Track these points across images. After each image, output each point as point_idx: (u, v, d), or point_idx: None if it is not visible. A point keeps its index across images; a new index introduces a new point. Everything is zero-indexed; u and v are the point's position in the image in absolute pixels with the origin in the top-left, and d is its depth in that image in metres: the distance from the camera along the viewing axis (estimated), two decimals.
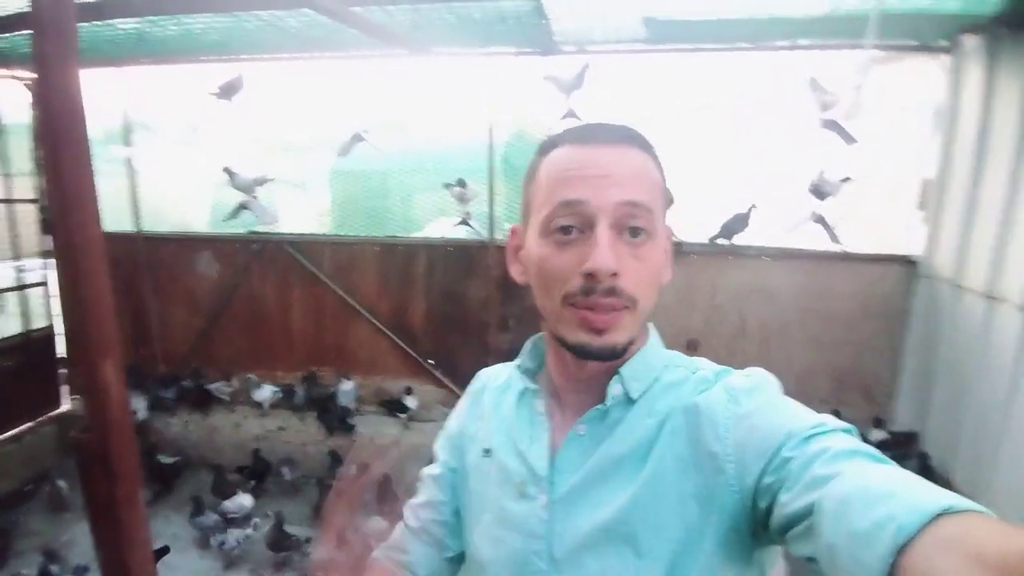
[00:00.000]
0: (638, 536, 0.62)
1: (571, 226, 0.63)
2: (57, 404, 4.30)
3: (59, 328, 4.29)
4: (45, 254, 4.21)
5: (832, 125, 3.32)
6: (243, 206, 3.69)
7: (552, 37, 3.16)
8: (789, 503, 0.52)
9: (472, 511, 0.77)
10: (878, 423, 3.42)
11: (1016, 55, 2.69)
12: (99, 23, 2.75)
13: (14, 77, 3.91)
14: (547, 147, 0.69)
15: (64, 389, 4.35)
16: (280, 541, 3.04)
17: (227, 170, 3.63)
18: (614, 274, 0.61)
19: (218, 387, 4.02)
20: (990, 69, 2.85)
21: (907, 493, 0.44)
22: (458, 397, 2.98)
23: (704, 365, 0.71)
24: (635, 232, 0.63)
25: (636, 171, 0.64)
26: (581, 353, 0.65)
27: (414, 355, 3.94)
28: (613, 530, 0.63)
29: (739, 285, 3.57)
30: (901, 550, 0.41)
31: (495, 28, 3.08)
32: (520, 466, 0.71)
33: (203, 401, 4.06)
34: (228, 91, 3.64)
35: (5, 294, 4.06)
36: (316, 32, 3.15)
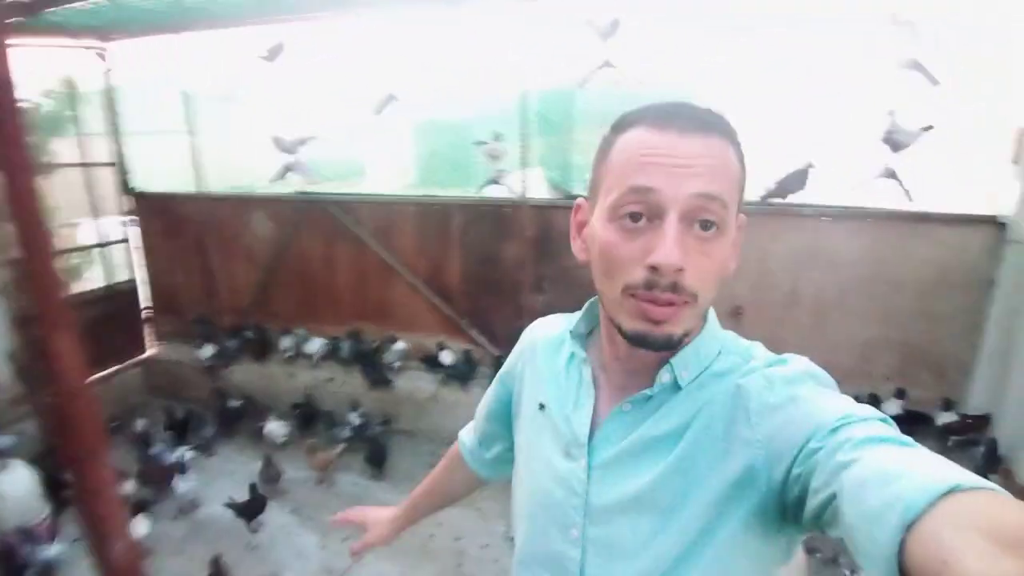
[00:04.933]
0: (665, 506, 0.66)
1: (639, 213, 0.62)
2: (142, 349, 4.77)
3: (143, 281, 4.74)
4: (125, 213, 4.60)
5: (914, 65, 2.87)
6: (288, 167, 3.80)
7: None
8: (818, 491, 0.54)
9: (524, 454, 0.84)
10: (947, 404, 3.07)
11: None
12: None
13: (86, 47, 4.19)
14: (623, 125, 0.67)
15: (148, 336, 4.83)
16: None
17: (274, 136, 3.74)
18: (679, 269, 0.61)
19: (287, 342, 4.26)
20: None
21: (919, 472, 0.45)
22: (491, 355, 3.29)
23: (758, 354, 0.71)
24: (706, 225, 0.62)
25: (714, 162, 0.62)
26: (636, 342, 0.66)
27: (450, 314, 3.97)
28: (643, 499, 0.67)
29: (793, 249, 3.26)
30: (910, 527, 0.41)
31: None
32: (566, 428, 0.76)
33: (262, 351, 4.34)
34: (273, 54, 3.71)
35: (91, 250, 4.50)
36: None
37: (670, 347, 0.66)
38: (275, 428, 3.71)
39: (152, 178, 4.57)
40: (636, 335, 0.65)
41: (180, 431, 3.95)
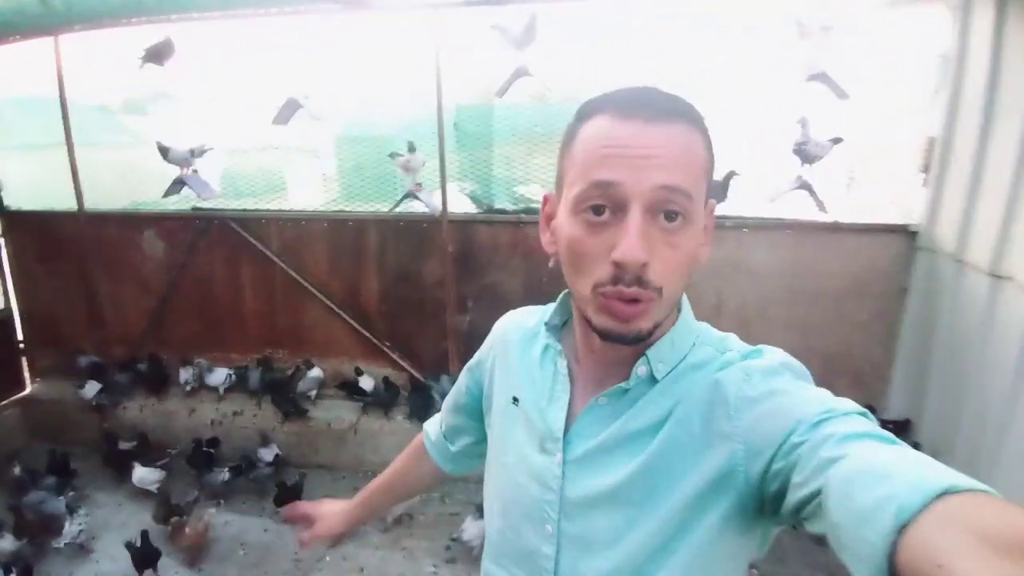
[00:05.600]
0: (641, 502, 0.65)
1: (603, 206, 0.61)
2: (20, 387, 4.22)
3: (16, 310, 4.19)
4: None
5: (821, 77, 2.90)
6: (180, 181, 3.44)
7: None
8: (800, 486, 0.53)
9: (496, 448, 0.82)
10: (869, 411, 3.10)
11: None
12: None
13: None
14: (587, 113, 0.65)
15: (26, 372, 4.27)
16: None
17: (160, 145, 3.37)
18: (643, 264, 0.60)
19: (186, 373, 3.84)
20: (1002, 9, 2.41)
21: (910, 472, 0.44)
22: (417, 380, 3.18)
23: (734, 345, 0.70)
24: (671, 216, 0.61)
25: (679, 152, 0.61)
26: (605, 337, 0.65)
27: (370, 337, 3.71)
28: (619, 494, 0.66)
29: (716, 261, 3.23)
30: (903, 528, 0.41)
31: None
32: (541, 422, 0.74)
33: (158, 385, 3.92)
34: (156, 55, 3.34)
35: None
36: None
37: (640, 341, 0.65)
38: (145, 475, 3.31)
39: (27, 195, 4.06)
40: (605, 331, 0.64)
41: (63, 476, 3.50)
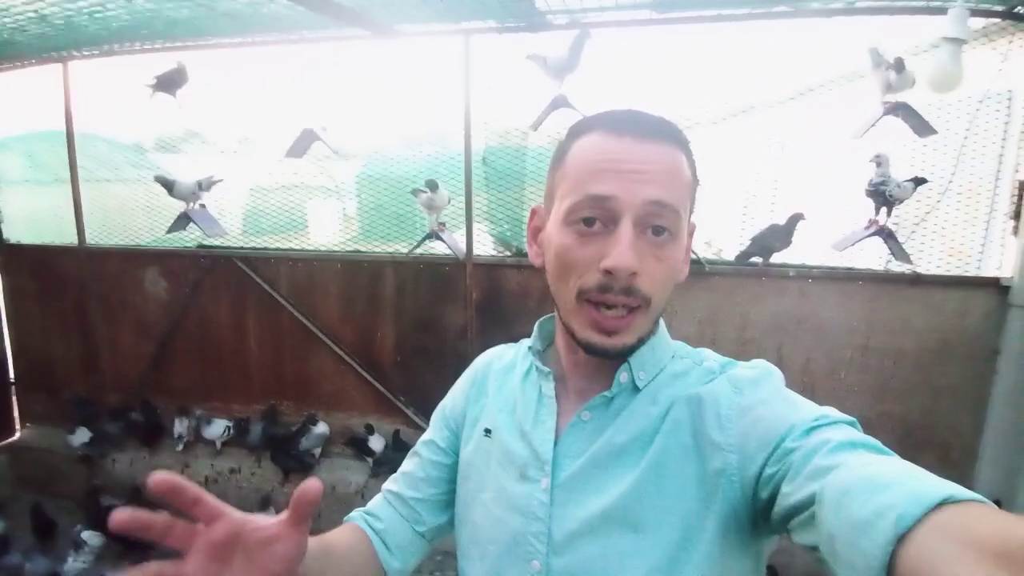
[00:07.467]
0: (637, 522, 0.62)
1: (595, 218, 0.62)
2: (11, 432, 3.93)
3: (9, 349, 3.93)
4: None
5: (902, 111, 2.57)
6: (186, 216, 3.18)
7: (535, 6, 2.50)
8: (791, 493, 0.52)
9: (470, 489, 0.77)
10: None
11: None
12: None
13: None
14: (578, 130, 0.67)
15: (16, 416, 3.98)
16: None
17: (162, 179, 3.11)
18: (633, 273, 0.61)
19: (181, 425, 3.51)
20: None
21: (908, 482, 0.43)
22: None
23: (709, 356, 0.71)
24: (658, 231, 0.62)
25: (668, 169, 0.62)
26: (590, 351, 0.65)
27: (382, 390, 3.36)
28: (612, 516, 0.63)
29: (777, 315, 2.85)
30: (901, 538, 0.40)
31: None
32: (523, 448, 0.71)
33: (151, 437, 3.59)
34: (168, 84, 3.12)
35: None
36: (262, 11, 2.60)
37: (624, 355, 0.65)
38: (90, 537, 2.99)
39: (28, 229, 3.84)
40: (589, 345, 0.64)
41: (45, 534, 3.18)
